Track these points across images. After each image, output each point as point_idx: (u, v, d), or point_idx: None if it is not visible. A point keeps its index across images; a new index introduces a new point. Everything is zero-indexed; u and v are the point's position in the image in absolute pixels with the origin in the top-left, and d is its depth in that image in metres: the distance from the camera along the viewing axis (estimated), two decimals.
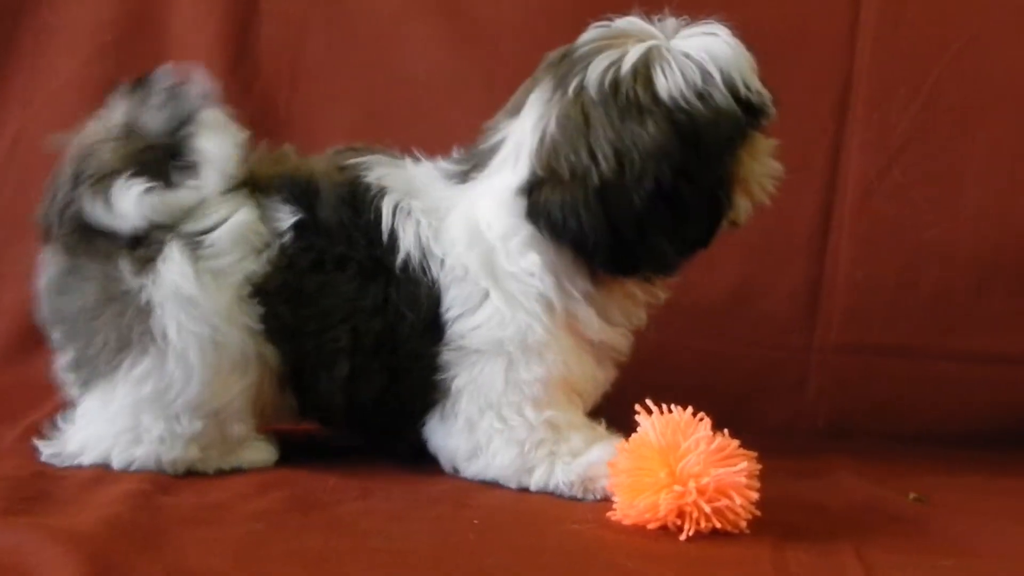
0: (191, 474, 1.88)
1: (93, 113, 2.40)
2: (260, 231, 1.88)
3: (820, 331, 2.39)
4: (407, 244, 1.88)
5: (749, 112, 1.85)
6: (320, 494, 1.81)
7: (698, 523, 1.66)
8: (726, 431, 1.71)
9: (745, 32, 2.33)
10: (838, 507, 1.89)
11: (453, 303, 1.87)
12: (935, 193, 2.39)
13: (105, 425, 1.87)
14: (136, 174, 1.85)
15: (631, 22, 1.88)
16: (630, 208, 1.79)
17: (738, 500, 1.67)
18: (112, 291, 1.85)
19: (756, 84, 1.86)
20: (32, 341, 2.17)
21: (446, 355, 1.88)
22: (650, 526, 1.69)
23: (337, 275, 1.88)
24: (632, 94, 1.80)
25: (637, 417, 1.73)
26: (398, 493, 1.84)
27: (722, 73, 1.82)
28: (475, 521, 1.72)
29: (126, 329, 1.84)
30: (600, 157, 1.78)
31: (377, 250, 1.88)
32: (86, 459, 1.89)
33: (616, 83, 1.81)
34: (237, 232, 1.87)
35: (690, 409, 1.71)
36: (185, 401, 1.85)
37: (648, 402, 1.74)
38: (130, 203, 1.83)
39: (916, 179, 2.39)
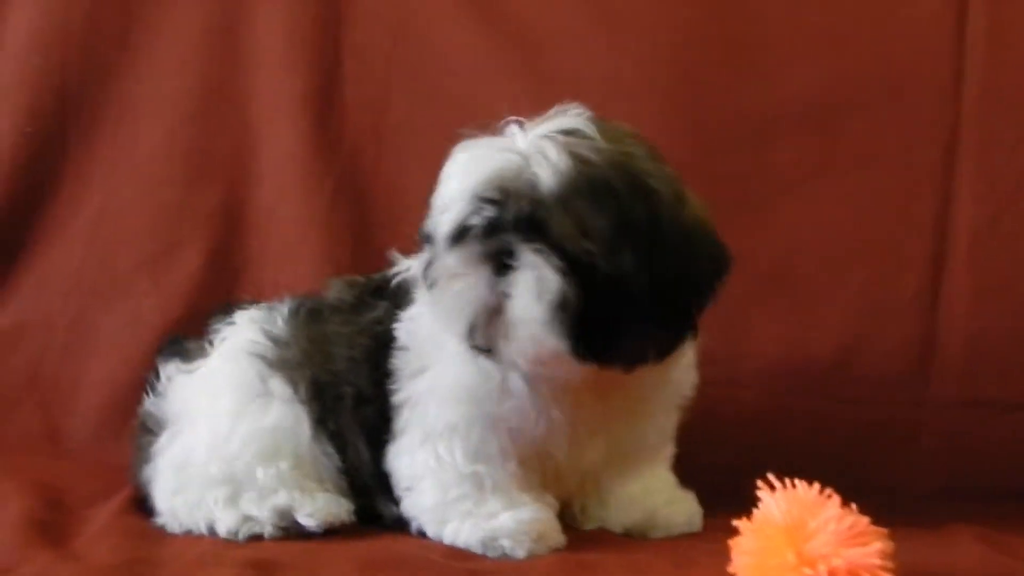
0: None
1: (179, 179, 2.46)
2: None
3: (933, 387, 2.30)
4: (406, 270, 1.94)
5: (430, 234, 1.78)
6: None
7: None
8: (854, 506, 1.62)
9: (846, 82, 2.34)
10: None
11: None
12: None
13: None
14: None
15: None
16: None
17: None
18: None
19: (441, 217, 1.75)
20: (122, 415, 2.15)
21: (398, 358, 1.88)
22: None
23: (332, 318, 1.97)
24: None
25: (759, 493, 1.64)
26: (506, 572, 1.77)
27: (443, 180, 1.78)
28: None
29: None
30: None
31: (375, 290, 1.97)
32: None
33: None
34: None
35: (816, 485, 1.63)
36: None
37: (771, 477, 1.64)
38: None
39: None
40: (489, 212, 1.72)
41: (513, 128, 1.78)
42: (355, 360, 1.93)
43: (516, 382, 1.81)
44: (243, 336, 2.00)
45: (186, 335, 2.11)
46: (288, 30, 2.47)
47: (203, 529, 1.91)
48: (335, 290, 2.02)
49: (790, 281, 2.32)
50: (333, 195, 2.44)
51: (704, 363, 2.04)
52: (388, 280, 1.97)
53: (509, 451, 1.85)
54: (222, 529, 1.90)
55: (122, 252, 2.46)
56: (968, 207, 2.31)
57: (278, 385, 1.95)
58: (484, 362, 1.80)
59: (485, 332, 1.74)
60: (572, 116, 1.78)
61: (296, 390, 1.95)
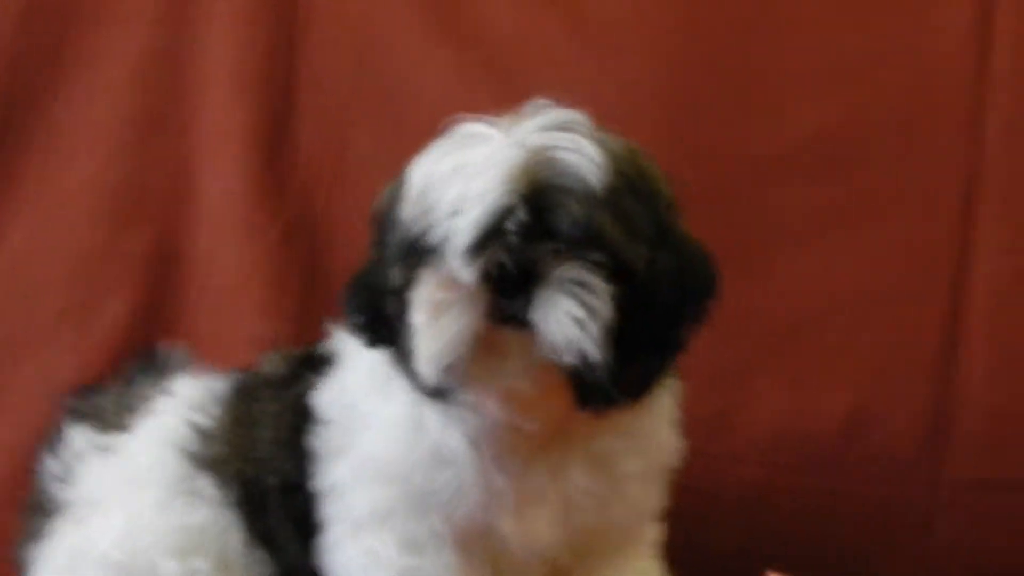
0: None
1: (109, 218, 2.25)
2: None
3: (949, 465, 2.09)
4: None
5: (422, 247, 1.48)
6: None
7: None
8: None
9: (858, 121, 2.14)
10: None
11: None
12: None
13: None
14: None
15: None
16: None
17: None
18: None
19: (446, 227, 1.44)
20: (27, 487, 1.91)
21: (316, 435, 1.66)
22: None
23: (261, 396, 1.77)
24: None
25: None
26: None
27: (419, 189, 1.54)
28: None
29: None
30: None
31: (309, 362, 1.75)
32: None
33: None
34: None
35: None
36: None
37: None
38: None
39: None
40: (522, 215, 1.42)
41: (480, 127, 1.54)
42: (279, 443, 1.71)
43: (456, 443, 1.56)
44: (169, 423, 1.78)
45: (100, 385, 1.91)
46: (236, 56, 2.28)
47: None
48: (270, 364, 1.82)
49: (792, 343, 2.12)
50: (281, 240, 2.25)
51: (695, 433, 1.84)
52: (326, 352, 1.74)
53: (443, 535, 1.60)
54: None
55: (40, 299, 2.25)
56: (988, 261, 2.11)
57: (207, 486, 1.74)
58: (418, 427, 1.57)
59: (467, 368, 1.44)
60: (559, 110, 1.52)
61: (226, 492, 1.73)
